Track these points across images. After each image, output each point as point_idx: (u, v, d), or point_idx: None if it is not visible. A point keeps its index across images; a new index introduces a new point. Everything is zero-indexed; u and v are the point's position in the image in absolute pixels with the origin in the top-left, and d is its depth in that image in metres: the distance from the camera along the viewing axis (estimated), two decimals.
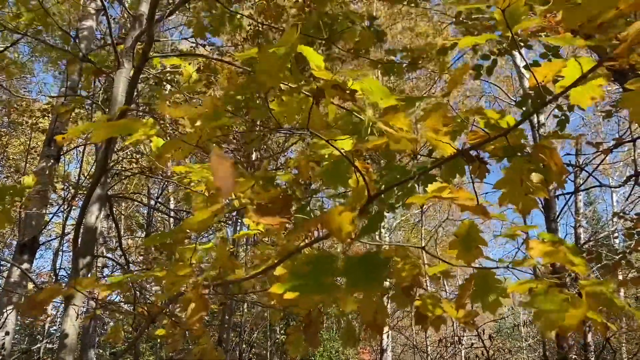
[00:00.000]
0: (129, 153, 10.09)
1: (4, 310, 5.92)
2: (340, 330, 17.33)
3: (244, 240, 13.99)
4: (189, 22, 5.95)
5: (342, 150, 1.49)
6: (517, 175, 1.67)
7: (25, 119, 10.74)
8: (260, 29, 5.83)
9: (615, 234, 13.96)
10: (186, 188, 2.99)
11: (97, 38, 8.37)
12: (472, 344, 15.55)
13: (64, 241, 11.55)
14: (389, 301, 2.27)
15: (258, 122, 7.66)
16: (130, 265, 10.28)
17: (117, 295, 10.66)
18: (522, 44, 4.33)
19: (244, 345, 16.51)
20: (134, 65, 4.59)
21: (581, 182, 10.27)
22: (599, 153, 6.45)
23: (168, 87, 7.94)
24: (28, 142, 12.85)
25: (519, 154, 1.75)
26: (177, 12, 5.92)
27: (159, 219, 18.17)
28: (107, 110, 5.75)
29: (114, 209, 10.32)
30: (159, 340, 15.08)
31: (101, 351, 16.36)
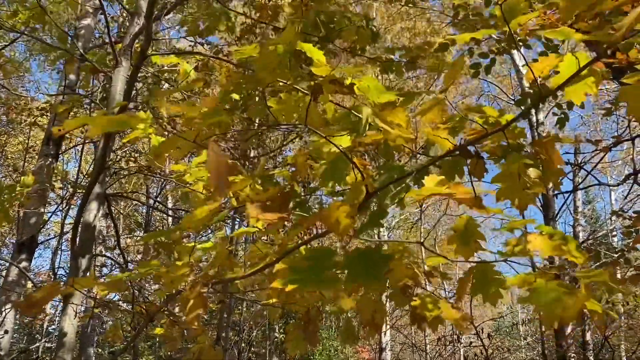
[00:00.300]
0: (127, 152, 10.08)
1: (3, 309, 5.91)
2: (339, 329, 17.34)
3: (243, 238, 13.99)
4: (183, 20, 5.94)
5: (340, 147, 1.49)
6: (514, 170, 1.67)
7: (24, 118, 10.72)
8: (256, 26, 5.82)
9: (614, 233, 13.98)
10: (184, 187, 2.99)
11: (95, 37, 8.36)
12: (471, 342, 15.58)
13: (63, 240, 11.54)
14: (388, 300, 2.26)
15: (256, 121, 7.65)
16: (129, 264, 10.27)
17: (116, 294, 10.66)
18: (520, 44, 4.33)
19: (242, 344, 16.52)
20: (132, 64, 4.58)
21: (580, 180, 10.28)
22: (597, 152, 6.46)
23: (166, 85, 7.93)
24: (26, 141, 12.84)
25: (517, 152, 1.75)
26: (174, 10, 5.91)
27: (158, 218, 18.17)
28: (105, 109, 5.74)
29: (113, 208, 10.32)
30: (157, 340, 15.09)
31: (100, 350, 16.35)
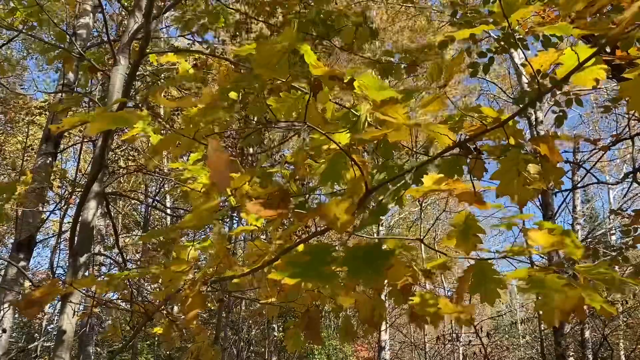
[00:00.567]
0: (126, 151, 10.07)
1: (1, 309, 5.90)
2: (338, 327, 17.35)
3: (242, 237, 13.97)
4: (177, 18, 5.92)
5: (338, 143, 1.48)
6: (513, 166, 1.66)
7: (22, 117, 10.72)
8: (250, 23, 5.80)
9: (612, 231, 13.99)
10: (183, 185, 2.98)
11: (93, 36, 8.34)
12: (470, 341, 15.59)
13: (61, 239, 11.53)
14: (387, 298, 2.26)
15: (254, 119, 7.63)
16: (128, 263, 10.26)
17: (114, 293, 10.64)
18: (519, 42, 4.32)
19: (242, 344, 16.52)
20: (131, 62, 4.57)
21: (579, 179, 10.28)
22: (596, 150, 6.46)
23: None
24: (25, 140, 12.82)
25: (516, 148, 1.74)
26: (173, 8, 5.90)
27: (157, 217, 18.16)
28: (104, 107, 5.71)
29: (111, 207, 10.30)
30: (157, 339, 15.07)
31: (99, 349, 16.34)
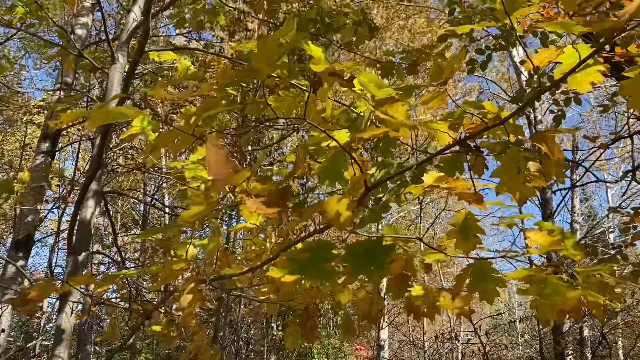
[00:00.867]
0: (125, 150, 10.06)
1: (0, 307, 5.89)
2: (337, 326, 17.35)
3: (240, 235, 13.96)
4: (173, 15, 5.90)
5: (339, 142, 1.47)
6: (513, 163, 1.65)
7: (20, 116, 10.69)
8: (245, 20, 5.80)
9: (611, 230, 13.99)
10: (182, 184, 2.97)
11: (91, 34, 8.32)
12: (469, 339, 15.61)
13: (60, 238, 11.51)
14: (385, 293, 2.26)
15: (252, 118, 7.63)
16: (126, 262, 10.25)
17: (113, 292, 10.65)
18: (518, 40, 4.30)
19: (240, 343, 16.51)
20: (129, 60, 4.56)
21: (577, 178, 10.29)
22: (595, 149, 6.45)
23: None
24: (23, 139, 12.81)
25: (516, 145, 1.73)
26: (172, 6, 5.88)
27: (155, 215, 18.14)
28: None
29: (110, 206, 10.28)
30: (155, 338, 15.07)
31: (97, 348, 16.33)
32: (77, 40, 6.47)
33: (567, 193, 9.94)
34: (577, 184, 9.82)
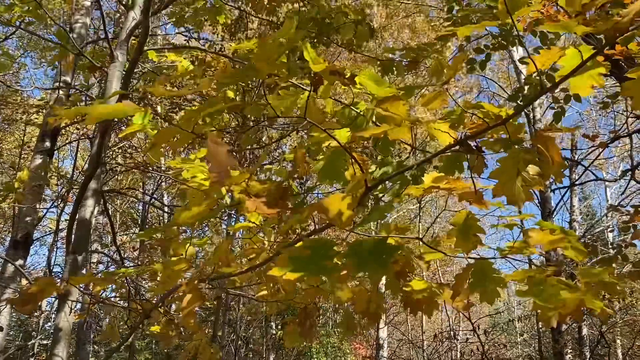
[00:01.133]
0: (123, 148, 10.04)
1: None
2: (336, 325, 17.35)
3: (239, 234, 13.93)
4: (172, 13, 5.89)
5: (339, 141, 1.47)
6: (513, 165, 1.65)
7: (19, 115, 10.67)
8: (247, 20, 5.80)
9: (610, 228, 14.01)
10: (181, 183, 2.97)
11: (90, 33, 8.31)
12: (467, 338, 15.61)
13: (58, 237, 11.50)
14: (385, 290, 2.25)
15: (252, 118, 7.62)
16: (125, 261, 10.24)
17: (112, 291, 10.64)
18: (518, 39, 4.31)
19: (239, 342, 16.51)
20: (129, 59, 4.55)
21: (577, 177, 10.29)
22: (594, 148, 6.45)
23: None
24: (22, 138, 12.79)
25: (517, 146, 1.73)
26: (171, 5, 5.87)
27: (154, 214, 18.13)
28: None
29: (109, 205, 10.28)
30: (153, 338, 15.06)
31: (97, 347, 16.32)
32: (76, 40, 6.45)
33: (566, 192, 9.95)
34: (576, 182, 9.82)
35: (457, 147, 1.65)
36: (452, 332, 16.19)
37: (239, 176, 1.61)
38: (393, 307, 17.62)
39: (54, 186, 10.73)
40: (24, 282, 6.23)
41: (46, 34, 9.12)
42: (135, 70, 5.12)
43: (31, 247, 6.39)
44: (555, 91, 4.74)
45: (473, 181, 1.67)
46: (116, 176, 11.72)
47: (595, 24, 1.27)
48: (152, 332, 3.33)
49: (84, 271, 4.36)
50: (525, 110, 9.68)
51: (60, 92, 6.77)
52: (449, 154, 1.90)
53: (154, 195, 14.52)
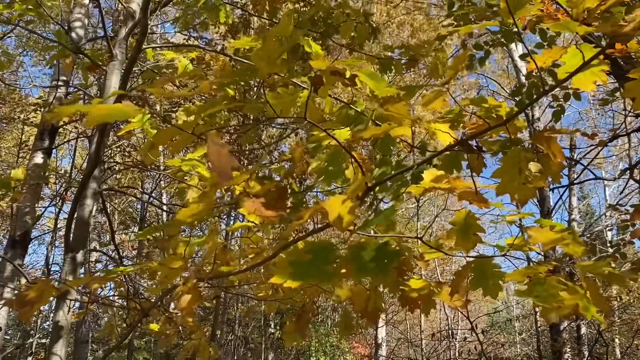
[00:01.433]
0: (122, 147, 10.03)
1: None
2: (335, 324, 17.35)
3: (238, 233, 13.93)
4: (177, 18, 5.89)
5: (339, 140, 1.46)
6: (514, 164, 1.65)
7: (17, 114, 10.65)
8: (250, 20, 5.79)
9: (609, 227, 14.01)
10: (180, 182, 2.96)
11: (88, 32, 8.29)
12: (466, 337, 15.62)
13: (57, 236, 11.49)
14: (383, 288, 2.24)
15: (251, 116, 7.61)
16: (124, 260, 10.23)
17: (111, 290, 10.64)
18: (520, 37, 4.30)
19: (238, 341, 16.50)
20: (127, 57, 4.54)
21: (575, 176, 10.29)
22: (593, 147, 6.46)
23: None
24: (20, 137, 12.77)
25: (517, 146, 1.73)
26: (170, 3, 5.87)
27: (153, 213, 18.11)
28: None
29: (107, 204, 10.27)
30: (153, 337, 15.05)
31: (95, 346, 16.31)
32: (75, 38, 6.44)
33: (564, 191, 9.95)
34: (575, 181, 9.82)
35: (458, 147, 1.65)
36: (451, 331, 16.22)
37: (239, 176, 1.61)
38: (392, 306, 17.61)
39: (52, 185, 10.71)
40: (22, 281, 6.22)
41: (45, 33, 9.10)
42: (134, 69, 5.11)
43: (29, 245, 6.38)
44: (555, 89, 4.73)
45: (473, 180, 1.67)
46: (115, 175, 11.71)
47: (597, 24, 1.26)
48: (152, 330, 3.32)
49: (82, 270, 4.35)
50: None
51: (59, 90, 6.76)
52: (448, 152, 1.90)
53: (153, 194, 14.51)
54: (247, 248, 2.91)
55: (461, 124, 1.85)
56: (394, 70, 4.20)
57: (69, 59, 6.00)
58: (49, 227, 16.12)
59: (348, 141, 1.70)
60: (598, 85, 1.59)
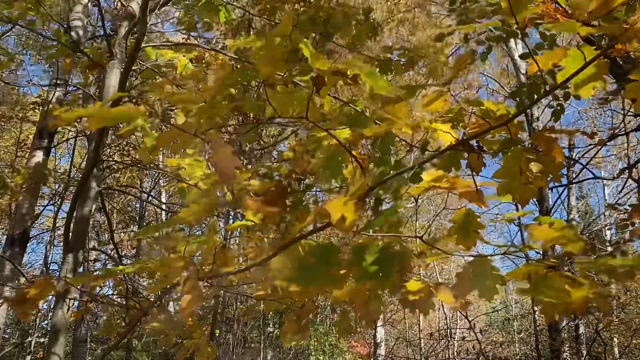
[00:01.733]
0: (121, 146, 10.02)
1: None
2: (333, 323, 17.35)
3: (237, 232, 13.90)
4: (181, 20, 5.89)
5: (340, 141, 1.46)
6: (515, 164, 1.65)
7: (16, 113, 10.63)
8: (252, 20, 5.79)
9: (608, 227, 14.02)
10: (179, 181, 2.96)
11: (87, 31, 8.27)
12: (464, 337, 15.63)
13: (55, 235, 11.47)
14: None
15: (251, 115, 7.60)
16: (123, 259, 10.21)
17: (110, 289, 10.64)
18: (521, 36, 4.29)
19: (236, 340, 16.49)
20: (127, 56, 4.54)
21: (574, 175, 10.29)
22: (592, 146, 6.46)
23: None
24: (18, 136, 12.74)
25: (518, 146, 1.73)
26: (169, 3, 5.86)
27: (152, 212, 18.10)
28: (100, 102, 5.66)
29: (107, 203, 10.26)
30: (150, 337, 15.03)
31: (93, 345, 16.30)
32: (74, 37, 6.43)
33: (563, 190, 9.95)
34: (574, 181, 9.82)
35: (459, 147, 1.65)
36: (449, 330, 16.23)
37: (240, 175, 1.61)
38: (390, 305, 17.61)
39: (51, 184, 10.69)
40: (21, 280, 6.22)
41: (44, 32, 9.08)
42: (133, 67, 5.11)
43: (28, 244, 6.38)
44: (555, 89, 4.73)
45: (474, 180, 1.67)
46: (113, 174, 11.70)
47: (597, 24, 1.27)
48: (151, 329, 3.32)
49: (81, 269, 4.35)
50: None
51: (58, 90, 6.76)
52: (447, 152, 1.90)
53: (152, 193, 14.50)
54: (247, 247, 2.91)
55: (461, 124, 1.85)
56: (393, 72, 4.21)
57: (69, 58, 6.00)
58: (47, 226, 16.10)
59: (348, 140, 1.71)
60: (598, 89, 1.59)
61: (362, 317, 2.22)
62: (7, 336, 15.57)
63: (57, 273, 12.39)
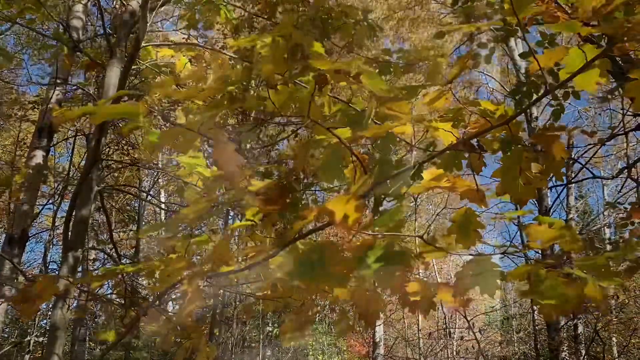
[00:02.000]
0: (121, 145, 10.01)
1: None
2: (332, 322, 17.35)
3: (237, 232, 13.87)
4: (182, 16, 5.88)
5: (342, 140, 1.47)
6: (515, 164, 1.65)
7: (15, 112, 10.61)
8: (253, 20, 5.79)
9: (607, 225, 14.03)
10: (178, 180, 2.96)
11: (87, 30, 8.27)
12: (462, 337, 15.65)
13: (54, 234, 11.46)
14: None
15: (251, 115, 7.60)
16: (122, 258, 10.21)
17: (109, 288, 10.63)
18: (520, 34, 4.30)
19: (235, 340, 16.49)
20: (127, 55, 4.54)
21: (573, 175, 10.29)
22: (591, 146, 6.46)
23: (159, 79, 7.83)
24: (17, 135, 12.73)
25: (518, 145, 1.73)
26: (169, 2, 5.86)
27: (151, 211, 18.09)
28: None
29: (106, 202, 10.25)
30: (146, 337, 15.01)
31: (92, 344, 16.30)
32: (74, 36, 6.43)
33: (562, 189, 9.96)
34: (573, 180, 9.82)
35: (460, 147, 1.65)
36: (448, 330, 16.24)
37: (241, 174, 1.61)
38: (389, 304, 17.61)
39: (50, 182, 10.68)
40: (20, 279, 6.21)
41: (44, 31, 9.07)
42: (133, 67, 5.11)
43: (27, 243, 6.38)
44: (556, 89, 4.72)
45: (475, 179, 1.67)
46: (112, 173, 11.69)
47: (597, 23, 1.27)
48: (151, 329, 3.31)
49: (80, 268, 4.35)
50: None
51: (58, 89, 6.75)
52: (448, 152, 1.90)
53: (150, 193, 14.48)
54: (247, 247, 2.91)
55: (461, 123, 1.85)
56: (392, 74, 4.21)
57: (68, 58, 5.99)
58: (47, 225, 16.10)
59: (348, 139, 1.71)
60: (598, 84, 1.60)
61: (363, 317, 2.22)
62: (5, 335, 15.56)
63: (56, 272, 12.38)
